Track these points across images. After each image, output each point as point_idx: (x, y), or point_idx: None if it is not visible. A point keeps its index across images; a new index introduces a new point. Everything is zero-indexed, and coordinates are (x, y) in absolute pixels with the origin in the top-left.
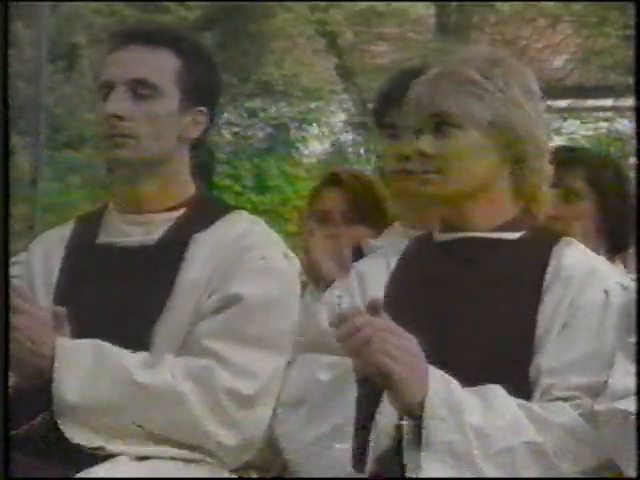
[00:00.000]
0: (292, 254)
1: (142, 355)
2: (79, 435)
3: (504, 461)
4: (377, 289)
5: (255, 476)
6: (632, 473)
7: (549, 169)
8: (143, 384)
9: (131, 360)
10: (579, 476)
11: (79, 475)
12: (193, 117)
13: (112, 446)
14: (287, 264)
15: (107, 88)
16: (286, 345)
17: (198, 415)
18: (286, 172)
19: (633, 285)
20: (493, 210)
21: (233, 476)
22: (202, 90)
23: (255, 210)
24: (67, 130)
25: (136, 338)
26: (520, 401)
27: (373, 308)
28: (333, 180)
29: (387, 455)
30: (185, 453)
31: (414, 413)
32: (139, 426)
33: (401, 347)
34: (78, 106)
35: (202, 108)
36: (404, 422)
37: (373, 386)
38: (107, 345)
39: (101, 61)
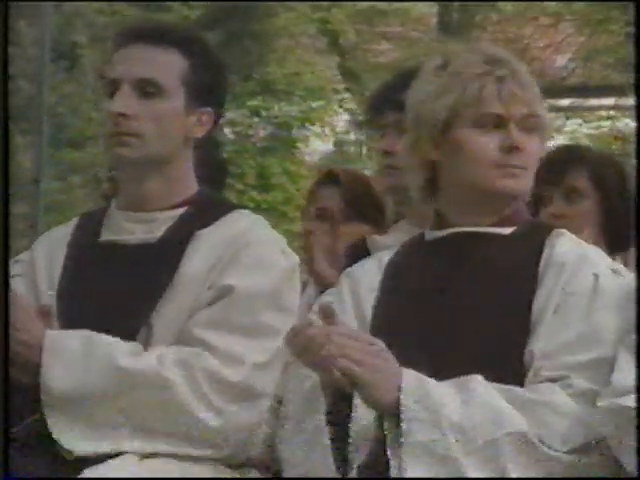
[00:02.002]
0: (291, 251)
1: (132, 344)
2: (65, 434)
3: (488, 455)
4: (369, 294)
5: (256, 474)
6: (633, 472)
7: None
8: (126, 369)
9: (118, 347)
10: (569, 456)
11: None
12: (198, 117)
13: (98, 446)
14: (284, 260)
15: (113, 86)
16: (281, 336)
17: (183, 400)
18: (289, 171)
19: (625, 270)
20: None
21: (235, 475)
22: (208, 91)
23: (258, 208)
24: (69, 129)
25: (132, 329)
26: (503, 387)
27: (324, 313)
28: (330, 178)
29: (373, 456)
30: (174, 447)
31: (392, 413)
32: (125, 417)
33: (364, 350)
34: (80, 105)
35: (208, 109)
36: (385, 423)
37: (341, 394)
38: (97, 334)
39: (107, 58)
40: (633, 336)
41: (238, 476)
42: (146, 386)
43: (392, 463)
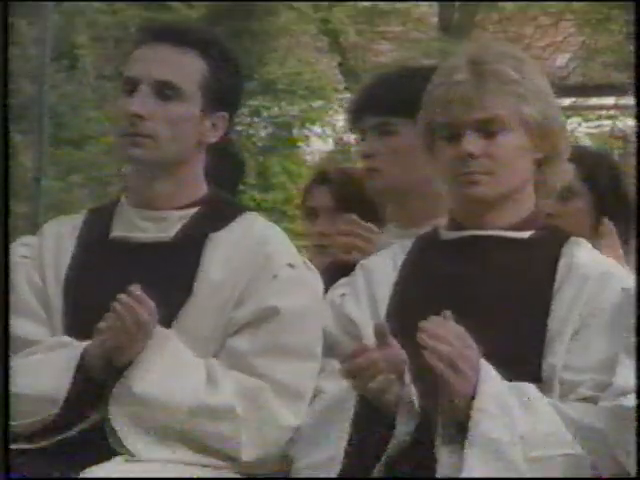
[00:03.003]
0: (308, 262)
1: (204, 364)
2: (128, 434)
3: (541, 467)
4: (385, 287)
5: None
6: (632, 472)
7: (571, 169)
8: (211, 406)
9: (201, 373)
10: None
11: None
12: (214, 122)
13: (153, 451)
14: (312, 276)
15: (131, 84)
16: (320, 350)
17: (241, 431)
18: (289, 170)
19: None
20: (513, 209)
21: (235, 474)
22: (225, 95)
23: (258, 208)
24: (70, 128)
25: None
26: (552, 401)
27: (379, 334)
28: (322, 178)
29: (399, 456)
30: (201, 458)
31: (458, 409)
32: (188, 438)
33: (463, 357)
34: (81, 104)
35: (223, 113)
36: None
37: (373, 405)
38: (181, 346)
39: (108, 57)
40: (632, 338)
41: (239, 476)
42: (220, 418)
43: (442, 459)
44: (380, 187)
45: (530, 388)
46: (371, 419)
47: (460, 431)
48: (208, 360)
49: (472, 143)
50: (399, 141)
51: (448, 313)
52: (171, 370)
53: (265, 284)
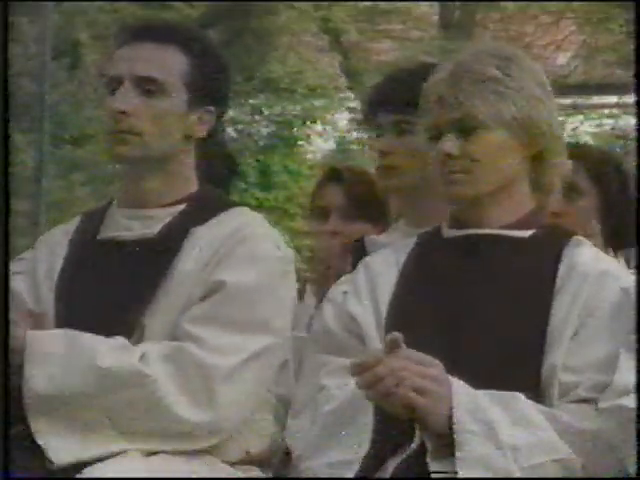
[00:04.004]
0: (286, 246)
1: (116, 340)
2: (48, 439)
3: (536, 474)
4: (386, 285)
5: (258, 473)
6: (632, 471)
7: (568, 164)
8: (106, 368)
9: (100, 346)
10: None
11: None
12: (200, 116)
13: (83, 453)
14: (277, 252)
15: (114, 83)
16: (275, 330)
17: (166, 397)
18: (290, 169)
19: None
20: (509, 207)
21: (237, 473)
22: (210, 89)
23: (260, 207)
24: (71, 127)
25: (127, 327)
26: (544, 408)
27: (393, 345)
28: (333, 176)
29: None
30: (163, 445)
31: (441, 430)
32: (109, 418)
33: (427, 376)
34: (82, 103)
35: (209, 107)
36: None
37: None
38: (82, 334)
39: (109, 55)
40: (633, 336)
41: (240, 474)
42: (127, 385)
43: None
44: (396, 185)
45: (515, 396)
46: (391, 423)
47: (449, 447)
48: (121, 339)
49: (449, 143)
50: (416, 139)
51: (397, 336)
52: (61, 360)
53: (221, 263)
